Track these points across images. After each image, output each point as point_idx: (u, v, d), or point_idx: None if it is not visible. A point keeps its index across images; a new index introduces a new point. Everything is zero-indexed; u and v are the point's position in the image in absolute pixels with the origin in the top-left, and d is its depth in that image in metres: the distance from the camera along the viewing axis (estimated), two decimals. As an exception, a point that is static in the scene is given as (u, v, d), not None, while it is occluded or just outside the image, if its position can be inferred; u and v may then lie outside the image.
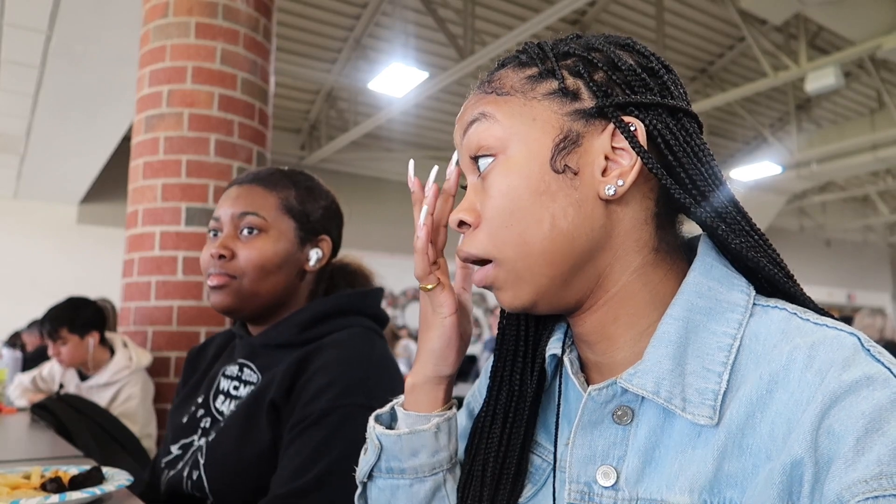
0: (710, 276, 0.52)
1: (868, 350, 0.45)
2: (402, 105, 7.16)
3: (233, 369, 1.07)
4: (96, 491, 0.81)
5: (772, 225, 11.75)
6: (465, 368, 5.57)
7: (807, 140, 9.37)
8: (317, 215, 1.08)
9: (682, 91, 0.55)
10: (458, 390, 3.91)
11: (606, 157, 0.52)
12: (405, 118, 8.36)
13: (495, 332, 0.64)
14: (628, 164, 0.51)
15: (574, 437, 0.52)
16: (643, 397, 0.50)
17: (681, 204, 0.52)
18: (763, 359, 0.47)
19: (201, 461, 0.96)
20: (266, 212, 1.02)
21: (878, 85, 8.12)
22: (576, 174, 0.51)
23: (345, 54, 7.33)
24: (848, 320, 4.82)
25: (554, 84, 0.53)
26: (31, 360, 3.40)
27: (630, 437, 0.50)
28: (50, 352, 2.38)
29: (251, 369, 1.04)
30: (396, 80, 6.28)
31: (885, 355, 0.45)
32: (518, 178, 0.51)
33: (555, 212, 0.50)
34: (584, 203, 0.51)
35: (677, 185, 0.51)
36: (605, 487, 0.50)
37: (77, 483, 0.83)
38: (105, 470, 0.91)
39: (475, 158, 0.55)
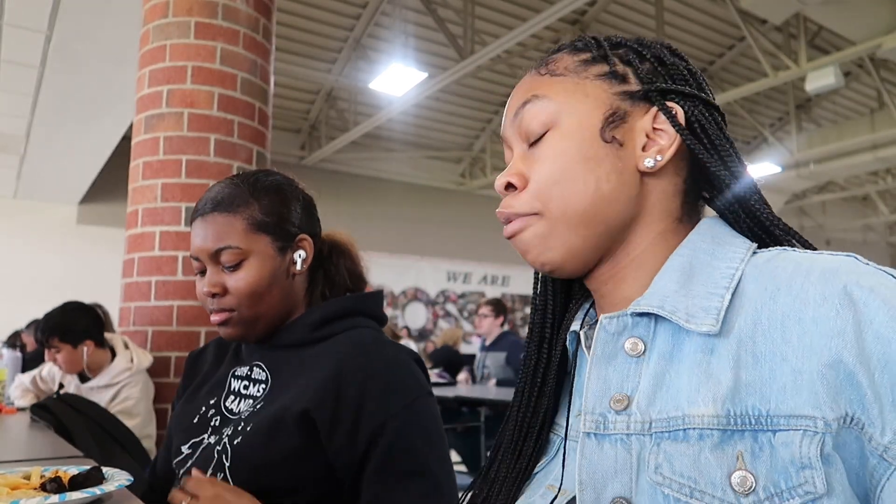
0: (713, 231, 0.57)
1: (867, 263, 0.49)
2: (402, 105, 7.16)
3: (243, 370, 1.09)
4: (96, 491, 0.81)
5: (772, 225, 11.74)
6: (458, 364, 5.54)
7: (807, 140, 9.37)
8: (288, 219, 1.05)
9: (713, 94, 0.62)
10: (457, 390, 3.88)
11: (647, 136, 0.57)
12: (405, 118, 8.37)
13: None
14: (667, 142, 0.57)
15: (590, 373, 0.55)
16: (654, 328, 0.53)
17: (715, 180, 0.58)
18: (765, 275, 0.51)
19: (226, 463, 0.97)
20: (238, 240, 1.00)
21: (878, 85, 8.12)
22: (621, 146, 0.57)
23: (345, 54, 7.34)
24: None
25: (605, 68, 0.59)
26: (31, 360, 3.40)
27: (643, 367, 0.52)
28: (46, 358, 2.38)
29: (260, 368, 1.06)
30: (396, 80, 6.28)
31: (881, 266, 0.49)
32: (570, 143, 0.57)
33: (599, 175, 0.56)
34: (624, 172, 0.56)
35: (712, 161, 0.57)
36: (617, 413, 0.52)
37: (77, 483, 0.83)
38: (105, 470, 0.91)
39: (527, 132, 0.59)
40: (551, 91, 0.59)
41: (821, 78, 6.51)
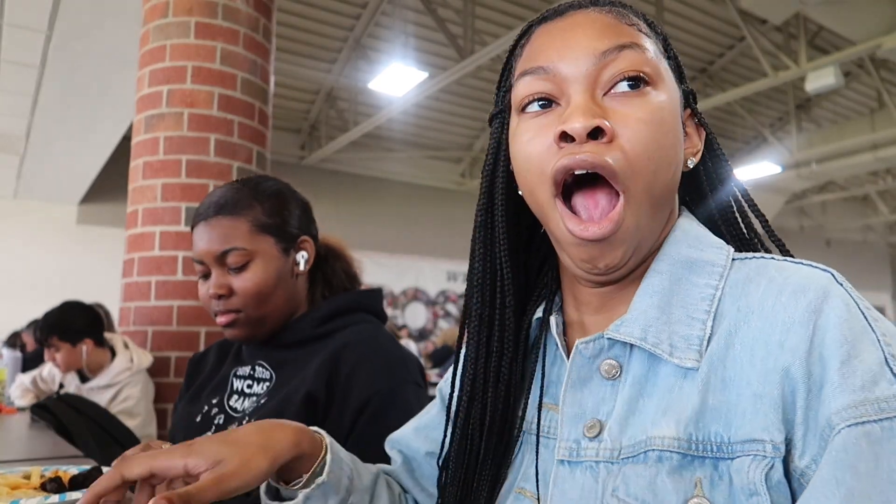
0: (689, 235, 0.55)
1: (841, 283, 0.47)
2: (402, 105, 7.15)
3: (245, 369, 1.10)
4: (96, 491, 0.81)
5: (772, 225, 11.72)
6: (444, 356, 5.53)
7: (807, 140, 9.36)
8: (290, 221, 1.08)
9: None
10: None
11: (687, 134, 0.57)
12: (405, 118, 8.36)
13: None
14: (699, 144, 0.58)
15: (564, 396, 0.53)
16: (630, 351, 0.51)
17: (718, 175, 0.59)
18: (742, 296, 0.49)
19: None
20: (243, 241, 1.02)
21: (878, 85, 8.11)
22: (686, 135, 0.57)
23: (345, 54, 7.33)
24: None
25: (668, 61, 0.57)
26: (31, 360, 3.40)
27: (618, 391, 0.51)
28: (46, 357, 2.38)
29: (263, 367, 1.08)
30: (396, 80, 6.28)
31: (853, 290, 0.48)
32: (668, 115, 0.52)
33: (678, 163, 0.54)
34: (681, 164, 0.55)
35: (718, 158, 0.59)
36: (590, 440, 0.51)
37: (77, 483, 0.83)
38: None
39: (623, 74, 0.51)
40: (646, 45, 0.53)
41: (821, 78, 6.51)
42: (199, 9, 2.53)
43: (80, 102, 5.03)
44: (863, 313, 0.45)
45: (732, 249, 0.54)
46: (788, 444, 0.43)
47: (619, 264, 0.52)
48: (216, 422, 1.06)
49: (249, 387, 1.08)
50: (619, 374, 0.51)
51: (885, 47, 5.84)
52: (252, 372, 1.09)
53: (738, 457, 0.44)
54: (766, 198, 10.76)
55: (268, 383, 1.05)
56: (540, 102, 0.53)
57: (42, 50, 4.20)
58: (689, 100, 0.57)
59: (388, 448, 0.74)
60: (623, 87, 0.51)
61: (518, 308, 0.60)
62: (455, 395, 0.63)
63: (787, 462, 0.43)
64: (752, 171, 9.16)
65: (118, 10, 3.69)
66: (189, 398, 1.17)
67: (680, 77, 0.57)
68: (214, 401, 1.10)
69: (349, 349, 1.00)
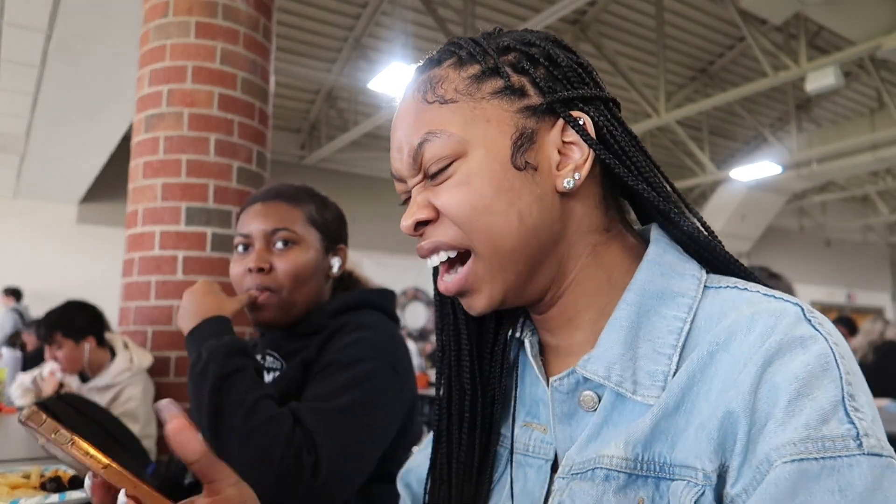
0: (661, 261, 0.53)
1: (809, 319, 0.46)
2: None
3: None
4: (96, 490, 0.81)
5: (772, 225, 11.74)
6: None
7: (807, 140, 9.36)
8: (334, 226, 1.16)
9: (601, 83, 0.57)
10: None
11: (559, 151, 0.53)
12: (405, 118, 8.36)
13: None
14: (580, 156, 0.53)
15: (556, 432, 0.54)
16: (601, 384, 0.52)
17: (632, 190, 0.53)
18: (711, 331, 0.49)
19: None
20: (295, 226, 1.09)
21: (878, 85, 8.11)
22: (536, 169, 0.52)
23: (345, 54, 7.33)
24: (851, 325, 4.84)
25: (500, 82, 0.53)
26: (31, 360, 3.40)
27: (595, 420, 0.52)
28: (47, 356, 2.38)
29: (274, 357, 1.11)
30: (396, 79, 6.28)
31: (826, 324, 0.46)
32: (481, 179, 0.51)
33: (521, 209, 0.51)
34: (544, 197, 0.52)
35: (629, 173, 0.53)
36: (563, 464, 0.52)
37: (77, 483, 0.83)
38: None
39: (428, 172, 0.54)
40: (447, 123, 0.52)
41: (821, 78, 6.51)
42: (199, 8, 2.53)
43: (80, 102, 5.02)
44: (831, 349, 0.44)
45: (705, 275, 0.53)
46: (723, 472, 0.44)
47: (494, 307, 0.54)
48: None
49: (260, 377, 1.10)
50: (598, 404, 0.52)
51: (885, 47, 5.84)
52: (263, 361, 1.12)
53: (676, 479, 0.45)
54: (766, 198, 10.76)
55: (277, 373, 1.08)
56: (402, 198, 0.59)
57: (42, 50, 4.20)
58: (557, 110, 0.53)
59: (399, 484, 0.71)
60: (433, 175, 0.54)
61: (478, 336, 0.61)
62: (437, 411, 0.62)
63: (720, 491, 0.44)
64: (752, 172, 9.15)
65: (118, 9, 3.69)
66: None
67: (549, 87, 0.53)
68: None
69: (348, 326, 1.06)
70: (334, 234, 1.15)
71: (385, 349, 1.04)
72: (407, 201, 0.57)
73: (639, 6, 7.15)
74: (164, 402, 0.44)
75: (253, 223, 1.09)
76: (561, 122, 0.53)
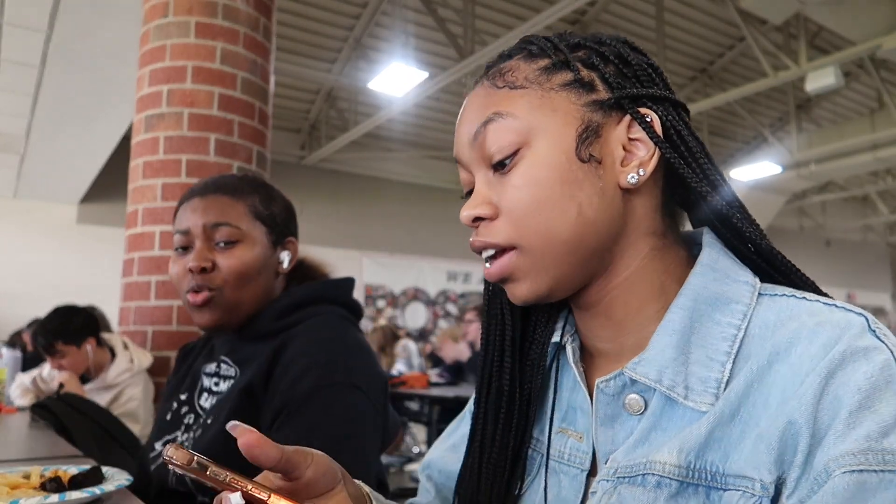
0: (716, 266, 0.53)
1: (874, 330, 0.46)
2: (402, 105, 7.15)
3: (211, 366, 1.08)
4: (96, 491, 0.81)
5: (772, 225, 11.74)
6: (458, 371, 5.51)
7: (807, 140, 9.36)
8: (281, 218, 1.08)
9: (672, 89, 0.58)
10: (457, 390, 3.85)
11: (624, 148, 0.53)
12: (405, 118, 8.36)
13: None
14: (646, 154, 0.52)
15: (597, 435, 0.54)
16: (650, 387, 0.51)
17: (695, 193, 0.53)
18: (769, 338, 0.48)
19: None
20: (238, 220, 1.01)
21: (878, 85, 8.12)
22: (599, 163, 0.52)
23: (345, 54, 7.34)
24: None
25: (569, 75, 0.53)
26: (31, 359, 3.40)
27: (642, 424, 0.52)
28: (51, 366, 2.34)
29: (227, 364, 1.05)
30: (396, 79, 6.28)
31: (890, 336, 0.46)
32: (546, 170, 0.51)
33: (582, 200, 0.51)
34: (606, 191, 0.52)
35: (693, 174, 0.52)
36: (605, 465, 0.52)
37: (77, 483, 0.83)
38: (105, 470, 0.90)
39: (492, 158, 0.54)
40: (515, 107, 0.52)
41: (821, 78, 6.51)
42: (199, 8, 2.53)
43: (80, 102, 5.03)
44: (895, 361, 0.44)
45: (759, 282, 0.52)
46: (780, 484, 0.43)
47: (539, 298, 0.54)
48: (186, 421, 1.05)
49: (216, 384, 1.06)
50: (644, 410, 0.51)
51: (885, 47, 5.84)
52: (218, 369, 1.06)
53: (728, 489, 0.44)
54: (766, 198, 10.75)
55: (232, 381, 1.03)
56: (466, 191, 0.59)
57: (42, 49, 4.20)
58: (625, 107, 0.53)
59: (421, 474, 0.71)
60: (498, 166, 0.54)
61: (523, 336, 0.60)
62: (474, 409, 0.62)
63: (775, 502, 0.43)
64: (752, 172, 9.15)
65: (118, 9, 3.69)
66: (166, 395, 1.15)
67: (619, 83, 0.53)
68: (183, 397, 1.09)
69: (294, 343, 0.98)
70: (282, 227, 1.07)
71: (338, 366, 0.95)
72: (468, 194, 0.57)
73: (639, 6, 7.15)
74: (232, 423, 0.44)
75: (191, 219, 1.01)
76: (628, 118, 0.53)
